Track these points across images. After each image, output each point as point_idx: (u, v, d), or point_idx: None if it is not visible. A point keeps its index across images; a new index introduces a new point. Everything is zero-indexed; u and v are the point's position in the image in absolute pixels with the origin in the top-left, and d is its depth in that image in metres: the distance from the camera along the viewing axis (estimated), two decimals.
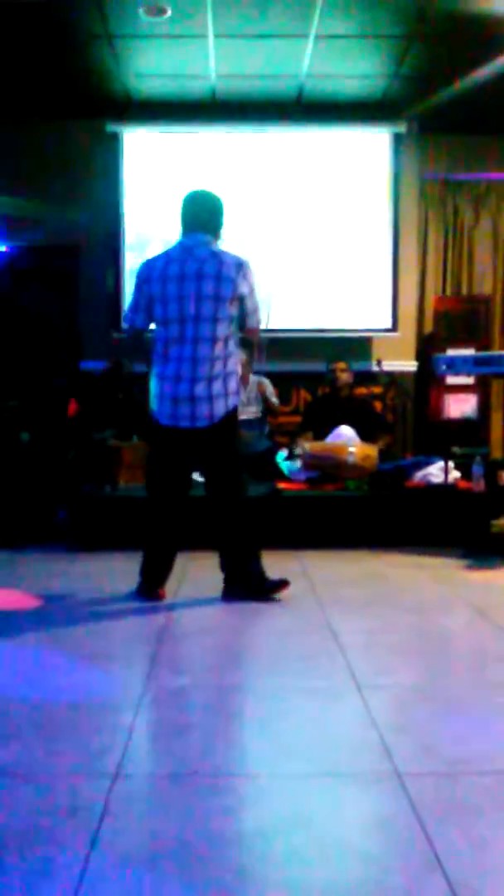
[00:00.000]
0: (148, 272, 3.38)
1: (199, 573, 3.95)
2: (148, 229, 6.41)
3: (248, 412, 5.80)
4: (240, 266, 3.35)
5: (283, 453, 5.36)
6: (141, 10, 4.84)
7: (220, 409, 3.34)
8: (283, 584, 3.48)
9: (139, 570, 3.55)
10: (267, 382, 5.88)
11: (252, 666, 2.67)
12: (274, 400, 5.86)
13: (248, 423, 5.76)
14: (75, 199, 6.41)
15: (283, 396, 6.24)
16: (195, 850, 1.57)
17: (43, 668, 2.66)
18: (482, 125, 6.46)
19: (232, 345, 3.40)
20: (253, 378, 5.86)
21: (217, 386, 3.33)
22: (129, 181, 6.43)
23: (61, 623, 3.18)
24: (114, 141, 6.39)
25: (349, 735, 2.11)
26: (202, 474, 3.56)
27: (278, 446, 5.63)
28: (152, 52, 5.45)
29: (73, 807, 1.72)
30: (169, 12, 4.87)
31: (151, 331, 3.47)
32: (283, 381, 6.25)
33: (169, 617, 3.22)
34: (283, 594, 3.49)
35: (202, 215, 3.43)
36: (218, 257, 3.35)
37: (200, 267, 3.31)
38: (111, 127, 6.34)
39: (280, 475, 5.11)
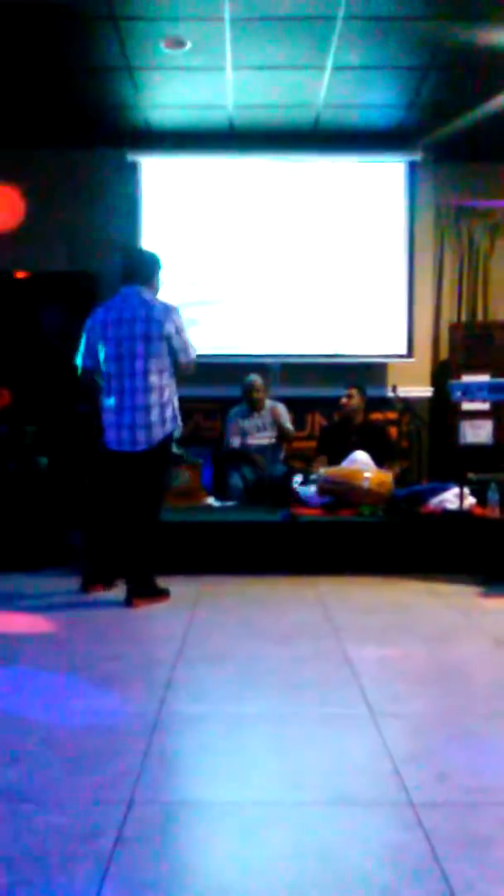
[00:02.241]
0: (93, 321, 3.95)
1: (212, 598, 3.96)
2: (165, 256, 6.48)
3: (263, 437, 5.82)
4: (166, 310, 3.85)
5: (298, 478, 5.37)
6: (161, 43, 4.93)
7: (157, 434, 3.83)
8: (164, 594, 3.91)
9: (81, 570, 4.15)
10: (282, 408, 5.90)
11: (266, 692, 2.66)
12: (288, 426, 5.88)
13: (264, 448, 5.79)
14: (94, 226, 6.50)
15: (298, 421, 6.26)
16: (209, 877, 1.57)
17: (58, 691, 2.67)
18: (497, 153, 6.52)
19: (166, 377, 3.86)
20: (268, 403, 5.89)
21: (154, 414, 3.82)
22: (147, 209, 6.52)
23: (76, 646, 3.20)
24: (133, 169, 6.49)
25: (363, 763, 2.10)
26: (129, 491, 3.91)
27: (293, 471, 5.64)
28: (171, 84, 5.54)
29: (86, 832, 1.72)
30: (188, 45, 4.96)
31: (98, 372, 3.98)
32: (298, 406, 6.28)
33: (184, 642, 3.22)
34: (291, 620, 3.49)
35: (133, 268, 3.96)
36: (147, 303, 3.86)
37: (133, 312, 3.84)
38: (130, 156, 6.44)
39: (295, 500, 5.11)
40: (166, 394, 3.85)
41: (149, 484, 3.89)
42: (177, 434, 4.01)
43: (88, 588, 4.04)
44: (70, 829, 1.74)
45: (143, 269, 3.95)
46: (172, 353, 3.84)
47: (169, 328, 3.80)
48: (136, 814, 1.81)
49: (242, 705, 2.55)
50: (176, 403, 3.95)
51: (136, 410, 3.81)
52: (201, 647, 3.18)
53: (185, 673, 2.84)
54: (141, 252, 4.09)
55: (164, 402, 3.84)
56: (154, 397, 3.81)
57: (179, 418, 3.98)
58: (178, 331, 3.83)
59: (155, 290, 3.97)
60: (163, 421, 3.84)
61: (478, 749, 2.19)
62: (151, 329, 3.79)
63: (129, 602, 3.79)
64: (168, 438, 3.89)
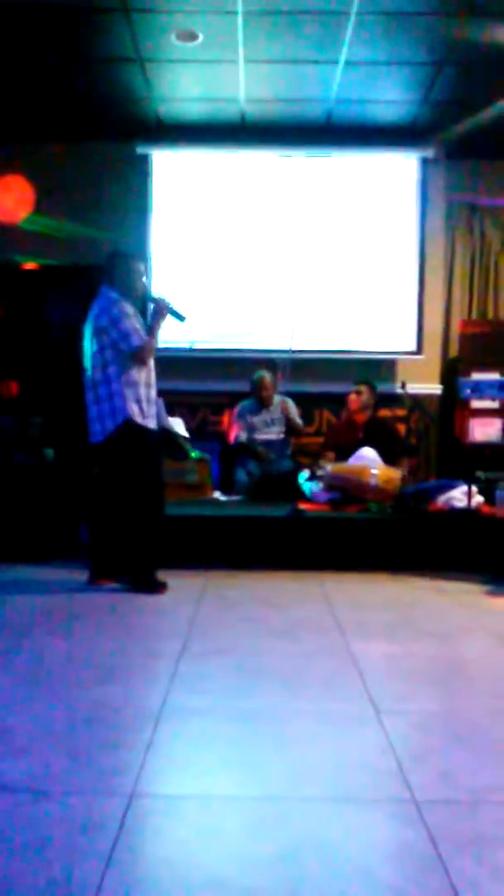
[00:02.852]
0: None
1: (217, 592, 3.96)
2: (175, 250, 6.49)
3: (272, 433, 5.82)
4: (104, 304, 3.94)
5: (305, 474, 5.36)
6: (173, 36, 4.92)
7: (107, 426, 3.92)
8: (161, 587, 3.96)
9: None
10: (291, 403, 5.90)
11: (271, 688, 2.66)
12: (298, 421, 5.88)
13: (271, 443, 5.79)
14: (104, 218, 6.49)
15: (306, 417, 6.24)
16: (209, 871, 1.57)
17: (62, 683, 2.67)
18: None
19: (111, 371, 3.90)
20: (277, 398, 5.89)
21: (100, 408, 3.93)
22: (157, 202, 6.51)
23: (81, 638, 3.20)
24: (143, 162, 6.47)
25: (367, 760, 2.09)
26: (111, 482, 4.04)
27: (301, 467, 5.63)
28: (183, 76, 5.52)
29: (89, 824, 1.72)
30: (200, 38, 4.94)
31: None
32: (306, 402, 6.26)
33: (188, 635, 3.22)
34: (296, 616, 3.49)
35: (105, 271, 4.09)
36: (97, 301, 4.00)
37: (91, 311, 4.01)
38: (141, 149, 6.42)
39: (302, 496, 5.11)
40: (112, 387, 3.90)
41: (121, 475, 3.94)
42: (150, 426, 3.96)
43: (95, 581, 4.06)
44: (71, 821, 1.74)
45: (110, 271, 4.04)
46: (114, 345, 3.88)
47: (102, 321, 3.89)
48: (138, 806, 1.81)
49: (246, 700, 2.55)
50: (134, 395, 3.91)
51: (89, 405, 3.98)
52: (206, 641, 3.18)
53: (189, 666, 2.84)
54: (109, 255, 4.16)
55: (110, 394, 3.90)
56: (100, 391, 3.92)
57: (133, 409, 3.89)
58: (113, 322, 3.87)
59: (120, 286, 3.99)
60: (112, 412, 3.89)
61: (482, 747, 2.18)
62: (91, 326, 3.94)
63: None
64: (122, 430, 3.88)
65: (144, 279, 4.16)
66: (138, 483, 3.96)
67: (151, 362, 4.02)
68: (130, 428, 3.90)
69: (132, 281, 4.05)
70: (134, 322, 3.93)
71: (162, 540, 4.03)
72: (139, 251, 6.41)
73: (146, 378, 3.98)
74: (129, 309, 3.95)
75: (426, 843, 1.67)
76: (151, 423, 4.00)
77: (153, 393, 4.04)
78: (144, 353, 3.92)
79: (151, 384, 4.02)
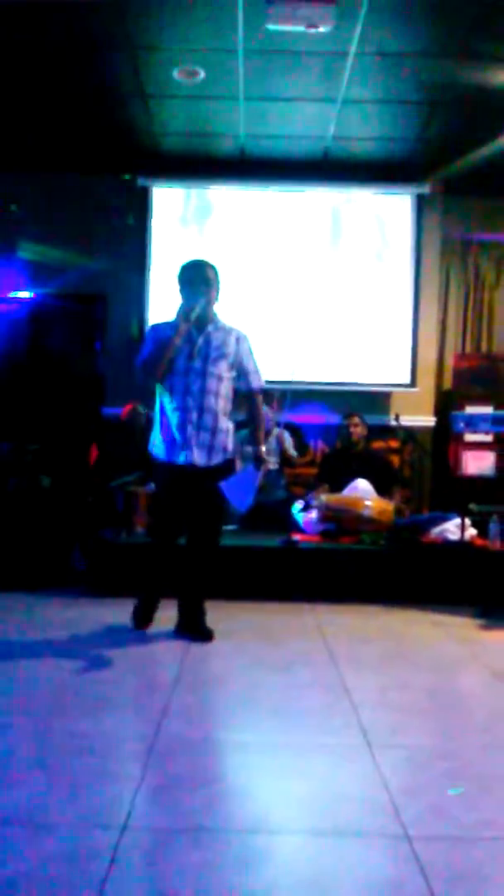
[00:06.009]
0: None
1: (211, 623, 3.94)
2: (174, 282, 6.54)
3: (268, 463, 5.83)
4: None
5: (298, 504, 5.37)
6: (175, 73, 5.01)
7: None
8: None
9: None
10: (287, 435, 5.92)
11: (264, 720, 2.65)
12: (292, 452, 5.90)
13: (266, 473, 5.79)
14: (104, 249, 6.57)
15: (301, 448, 6.27)
16: None
17: (55, 714, 2.66)
18: (503, 188, 6.59)
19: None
20: (274, 430, 5.91)
21: None
22: (157, 234, 6.59)
23: (75, 668, 3.19)
24: (143, 195, 6.57)
25: (359, 794, 2.09)
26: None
27: (294, 497, 5.64)
28: (184, 112, 5.62)
29: (80, 856, 1.72)
30: (202, 75, 5.04)
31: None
32: (300, 433, 6.29)
33: (182, 667, 3.21)
34: (289, 647, 3.51)
35: None
36: None
37: None
38: (142, 181, 6.53)
39: (295, 526, 5.11)
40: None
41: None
42: (164, 458, 3.64)
43: (143, 625, 3.82)
44: (63, 854, 1.73)
45: None
46: None
47: None
48: (130, 839, 1.80)
49: (239, 732, 2.55)
50: (159, 425, 3.68)
51: None
52: (199, 672, 3.17)
53: (182, 698, 2.83)
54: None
55: None
56: None
57: (152, 441, 3.72)
58: None
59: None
60: None
61: (474, 782, 2.18)
62: None
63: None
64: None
65: (203, 293, 3.79)
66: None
67: (197, 384, 3.55)
68: (151, 461, 3.75)
69: (181, 296, 3.74)
70: (148, 345, 3.61)
71: (153, 576, 3.85)
72: (139, 283, 6.49)
73: (181, 403, 3.55)
74: (156, 332, 3.65)
75: (418, 878, 1.67)
76: (167, 456, 3.59)
77: (184, 417, 3.54)
78: (140, 377, 3.63)
79: (180, 408, 3.55)
